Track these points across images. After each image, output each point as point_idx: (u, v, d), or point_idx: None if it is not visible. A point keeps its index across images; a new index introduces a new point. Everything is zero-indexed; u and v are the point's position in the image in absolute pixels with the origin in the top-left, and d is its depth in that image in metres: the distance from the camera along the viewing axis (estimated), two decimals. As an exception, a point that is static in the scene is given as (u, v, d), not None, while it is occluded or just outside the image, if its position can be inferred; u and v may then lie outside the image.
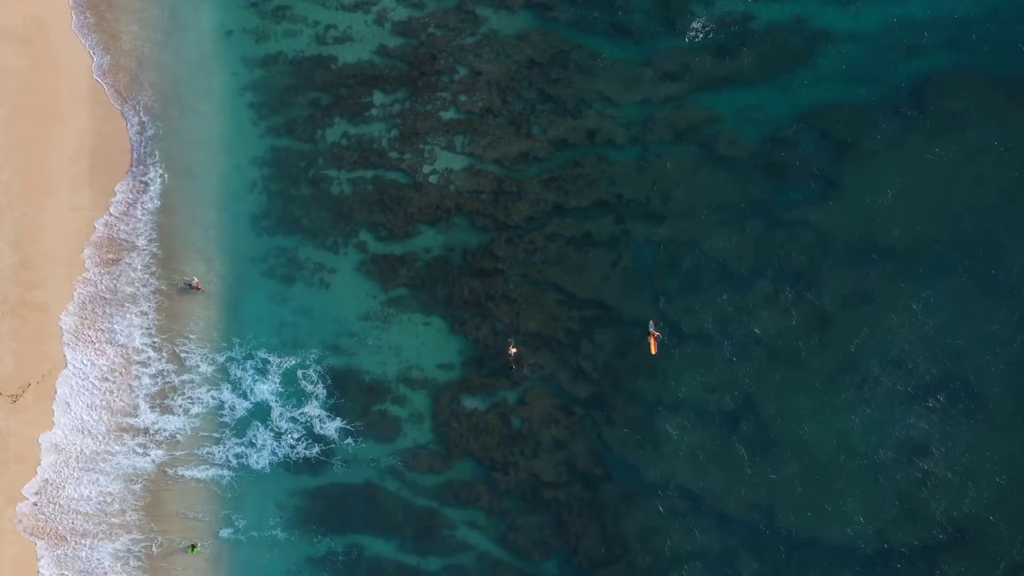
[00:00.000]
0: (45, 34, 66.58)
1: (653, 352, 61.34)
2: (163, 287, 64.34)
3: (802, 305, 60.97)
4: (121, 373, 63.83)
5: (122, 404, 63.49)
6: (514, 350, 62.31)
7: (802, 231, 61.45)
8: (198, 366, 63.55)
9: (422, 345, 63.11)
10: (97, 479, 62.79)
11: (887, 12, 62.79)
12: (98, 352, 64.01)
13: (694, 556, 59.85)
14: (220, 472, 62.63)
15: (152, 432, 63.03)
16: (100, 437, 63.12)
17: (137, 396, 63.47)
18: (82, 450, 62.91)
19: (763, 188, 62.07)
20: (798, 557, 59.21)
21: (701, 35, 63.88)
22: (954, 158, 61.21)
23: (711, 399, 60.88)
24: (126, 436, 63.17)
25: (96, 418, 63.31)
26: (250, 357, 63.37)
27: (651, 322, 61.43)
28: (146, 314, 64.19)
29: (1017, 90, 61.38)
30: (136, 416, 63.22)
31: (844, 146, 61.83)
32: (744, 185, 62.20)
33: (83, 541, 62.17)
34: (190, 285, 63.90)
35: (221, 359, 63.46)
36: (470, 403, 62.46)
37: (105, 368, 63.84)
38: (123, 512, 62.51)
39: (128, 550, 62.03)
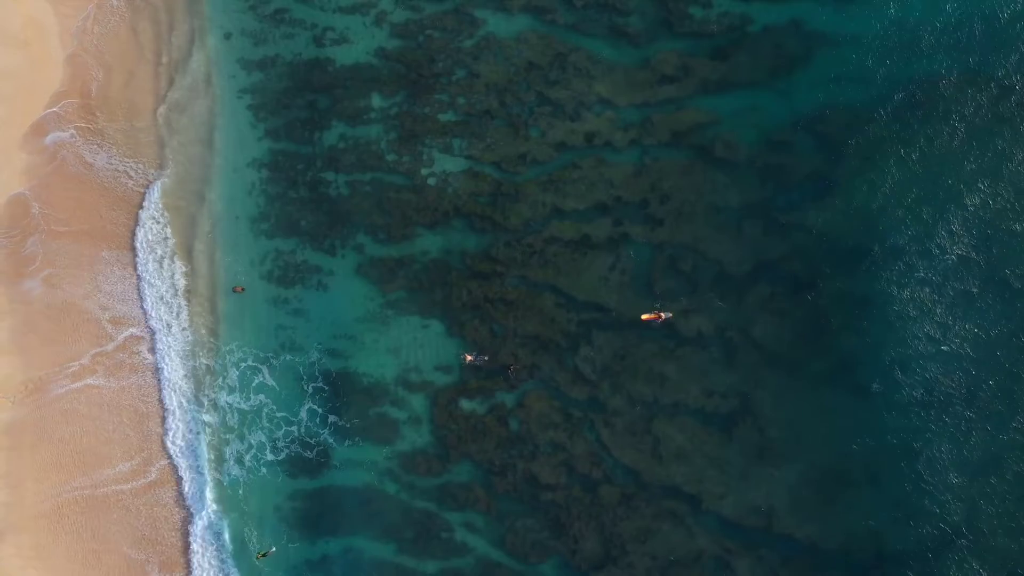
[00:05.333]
0: (43, 37, 66.54)
1: (643, 318, 61.31)
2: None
3: (800, 307, 60.99)
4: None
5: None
6: (485, 357, 62.23)
7: (800, 233, 61.46)
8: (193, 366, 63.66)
9: (420, 348, 63.11)
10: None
11: (883, 14, 62.83)
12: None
13: (692, 558, 59.89)
14: (216, 475, 62.63)
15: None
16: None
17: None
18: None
19: (760, 190, 62.07)
20: (795, 560, 59.23)
21: (699, 38, 63.90)
22: (951, 158, 61.26)
23: (709, 401, 60.90)
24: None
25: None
26: (247, 360, 63.33)
27: (668, 311, 61.49)
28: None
29: (1013, 90, 61.41)
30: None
31: (841, 148, 61.83)
32: (742, 187, 62.21)
33: None
34: (233, 289, 63.83)
35: (218, 361, 63.45)
36: (468, 405, 62.44)
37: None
38: None
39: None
